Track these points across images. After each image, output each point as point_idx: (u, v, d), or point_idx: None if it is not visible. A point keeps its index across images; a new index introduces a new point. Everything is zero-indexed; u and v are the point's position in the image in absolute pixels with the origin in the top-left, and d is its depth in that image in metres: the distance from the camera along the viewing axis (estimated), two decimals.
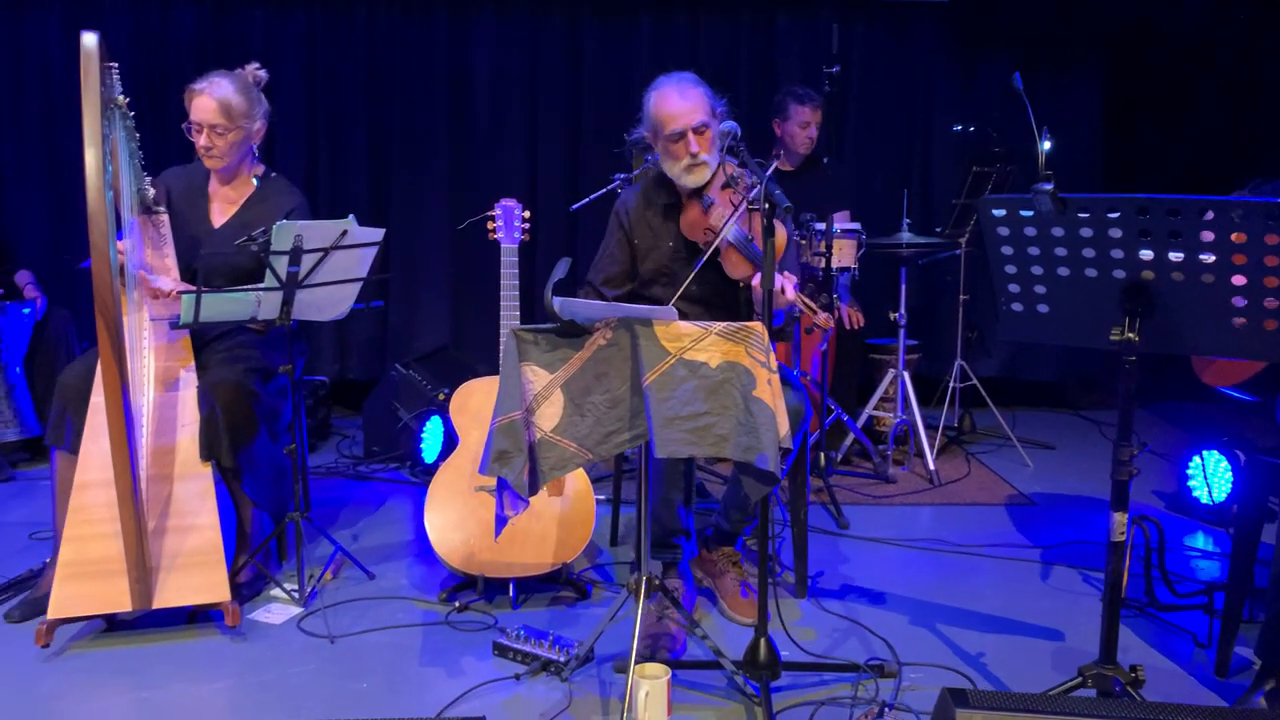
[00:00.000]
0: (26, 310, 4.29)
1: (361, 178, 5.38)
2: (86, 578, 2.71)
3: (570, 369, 2.19)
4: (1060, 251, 2.07)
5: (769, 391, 2.08)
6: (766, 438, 2.06)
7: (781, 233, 2.85)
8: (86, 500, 2.79)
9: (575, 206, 3.99)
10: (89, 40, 2.57)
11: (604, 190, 4.05)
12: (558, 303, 2.16)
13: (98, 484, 2.79)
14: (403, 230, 5.32)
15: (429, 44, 5.31)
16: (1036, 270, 2.13)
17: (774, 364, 2.13)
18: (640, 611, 2.40)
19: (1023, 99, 2.36)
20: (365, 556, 3.35)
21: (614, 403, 2.19)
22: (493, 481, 2.95)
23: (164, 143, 4.64)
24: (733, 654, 2.58)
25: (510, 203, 3.19)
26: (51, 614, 2.67)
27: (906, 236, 4.34)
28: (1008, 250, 2.13)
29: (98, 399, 2.88)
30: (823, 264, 3.87)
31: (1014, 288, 2.18)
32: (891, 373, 4.51)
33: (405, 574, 3.27)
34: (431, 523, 3.02)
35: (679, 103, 2.86)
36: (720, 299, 2.99)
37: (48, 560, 3.14)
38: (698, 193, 2.94)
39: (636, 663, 2.30)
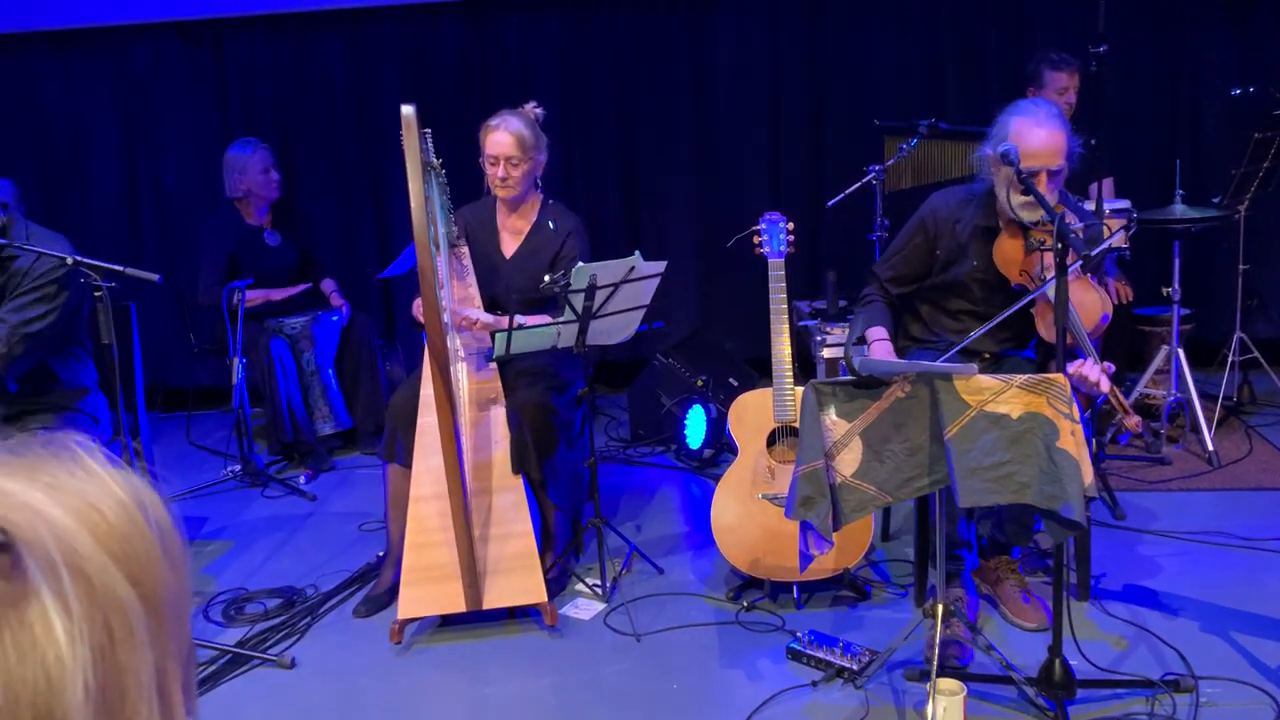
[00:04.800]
0: (335, 317, 4.81)
1: (612, 175, 5.61)
2: (427, 582, 3.10)
3: (868, 418, 2.32)
4: None
5: (1073, 442, 2.15)
6: (1071, 488, 2.13)
7: (1103, 304, 2.83)
8: (422, 512, 3.18)
9: (831, 203, 4.05)
10: (408, 111, 2.89)
11: (858, 184, 4.10)
12: (857, 360, 2.29)
13: (429, 497, 3.18)
14: (651, 225, 5.56)
15: (669, 41, 5.43)
16: None
17: (1076, 415, 2.18)
18: (939, 636, 2.53)
19: None
20: (650, 549, 3.63)
21: (913, 450, 2.31)
22: (774, 489, 3.16)
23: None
24: (1018, 658, 2.68)
25: (775, 215, 3.30)
26: (401, 615, 3.09)
27: (1180, 209, 4.15)
28: None
29: (423, 420, 3.25)
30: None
31: None
32: (1164, 349, 4.36)
33: (690, 568, 3.53)
34: (718, 527, 3.24)
35: (1047, 140, 2.85)
36: (1014, 328, 3.01)
37: (380, 554, 3.60)
38: (1021, 225, 2.93)
39: (930, 676, 2.45)
